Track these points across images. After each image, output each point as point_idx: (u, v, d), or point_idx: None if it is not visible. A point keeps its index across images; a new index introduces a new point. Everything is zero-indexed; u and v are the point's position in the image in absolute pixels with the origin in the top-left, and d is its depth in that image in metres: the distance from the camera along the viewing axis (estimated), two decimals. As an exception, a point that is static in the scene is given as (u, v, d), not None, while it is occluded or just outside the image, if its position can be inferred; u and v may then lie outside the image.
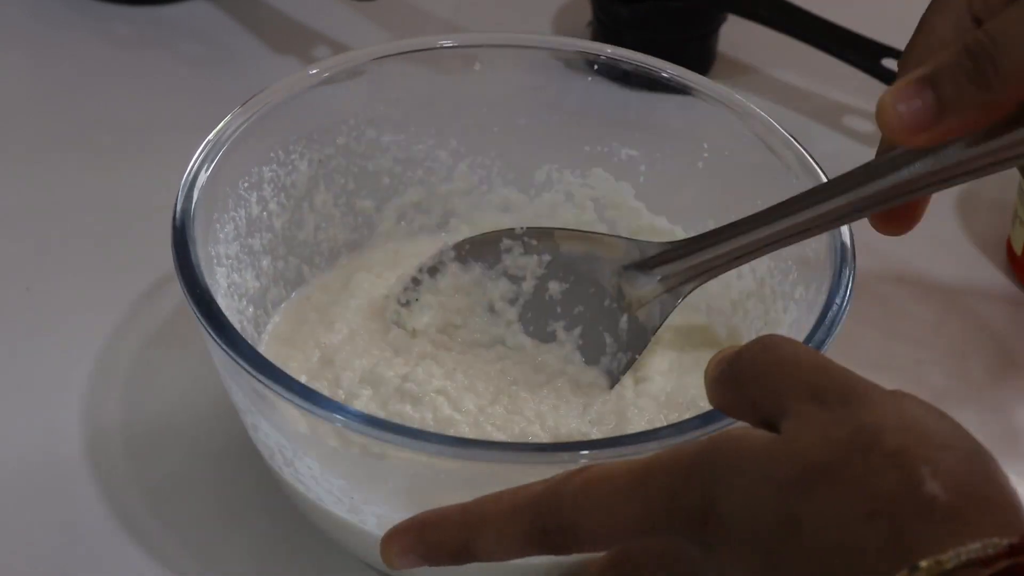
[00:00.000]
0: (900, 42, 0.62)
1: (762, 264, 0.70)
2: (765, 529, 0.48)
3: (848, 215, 0.61)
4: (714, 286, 0.72)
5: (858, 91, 0.91)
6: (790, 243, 0.63)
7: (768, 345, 0.52)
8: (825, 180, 0.66)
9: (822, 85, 0.92)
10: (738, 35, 0.93)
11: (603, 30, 0.91)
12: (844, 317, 0.62)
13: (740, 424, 0.53)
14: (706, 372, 0.54)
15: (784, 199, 0.62)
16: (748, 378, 0.52)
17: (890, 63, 0.88)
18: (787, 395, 0.50)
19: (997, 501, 0.46)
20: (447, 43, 0.74)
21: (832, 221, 0.61)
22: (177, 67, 0.92)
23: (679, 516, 0.49)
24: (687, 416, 0.61)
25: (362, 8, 0.95)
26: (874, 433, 0.47)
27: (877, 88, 0.87)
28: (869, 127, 0.90)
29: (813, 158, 0.67)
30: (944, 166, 0.57)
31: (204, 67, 0.92)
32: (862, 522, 0.46)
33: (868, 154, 0.59)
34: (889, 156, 0.59)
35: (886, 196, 0.59)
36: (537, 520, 0.52)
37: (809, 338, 0.61)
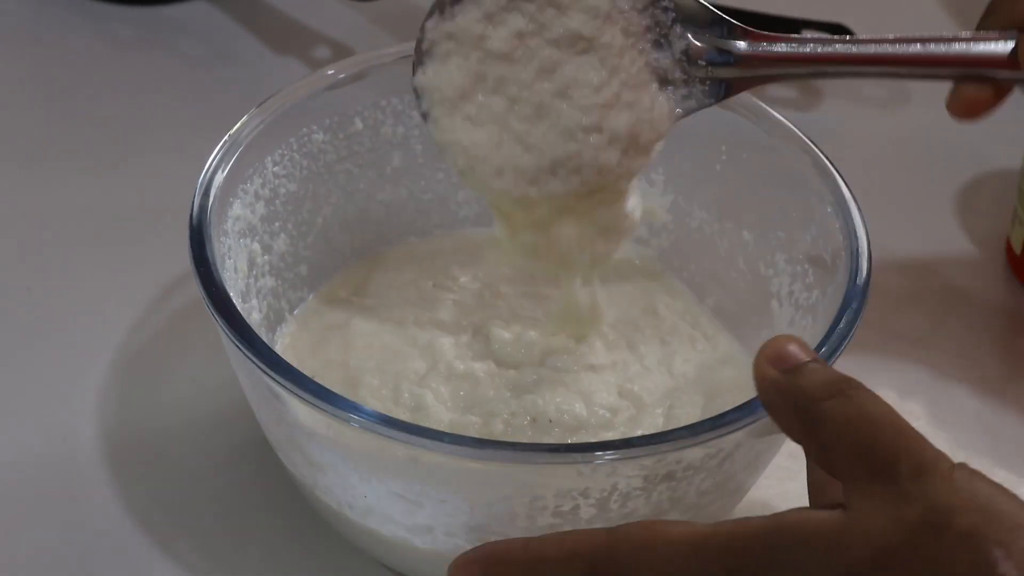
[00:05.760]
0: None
1: (777, 266, 0.70)
2: None
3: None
4: (724, 288, 0.72)
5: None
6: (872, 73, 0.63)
7: (851, 395, 0.50)
8: (842, 183, 0.67)
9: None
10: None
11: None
12: (860, 320, 0.61)
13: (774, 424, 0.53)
14: (758, 363, 0.53)
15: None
16: (821, 422, 0.50)
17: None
18: (858, 462, 0.49)
19: None
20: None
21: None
22: (177, 67, 0.92)
23: None
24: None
25: (362, 8, 0.95)
26: (946, 514, 0.47)
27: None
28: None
29: (831, 161, 0.67)
30: None
31: (204, 67, 0.92)
32: None
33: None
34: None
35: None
36: (594, 571, 0.52)
37: (822, 343, 0.61)
